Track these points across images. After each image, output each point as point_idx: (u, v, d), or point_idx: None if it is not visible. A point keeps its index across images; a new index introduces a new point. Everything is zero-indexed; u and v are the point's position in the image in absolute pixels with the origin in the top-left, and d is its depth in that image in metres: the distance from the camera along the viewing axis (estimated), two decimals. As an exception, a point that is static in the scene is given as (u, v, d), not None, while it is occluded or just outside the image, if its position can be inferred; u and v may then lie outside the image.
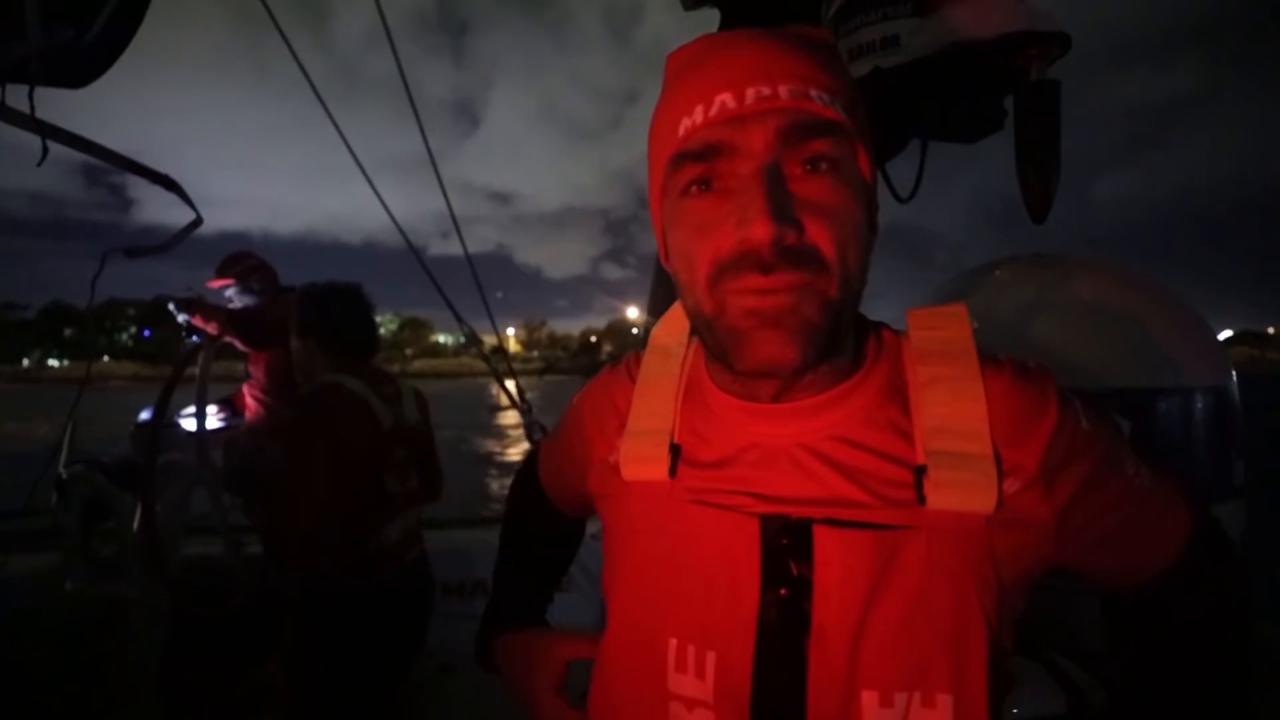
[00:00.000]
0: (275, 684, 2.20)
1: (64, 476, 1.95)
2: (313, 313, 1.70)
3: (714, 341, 0.48)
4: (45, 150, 1.12)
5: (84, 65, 1.17)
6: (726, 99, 0.43)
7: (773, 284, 0.43)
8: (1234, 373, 1.01)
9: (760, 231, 0.42)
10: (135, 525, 1.85)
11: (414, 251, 2.42)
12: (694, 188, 0.46)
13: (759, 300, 0.44)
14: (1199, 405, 0.96)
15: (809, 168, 0.44)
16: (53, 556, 2.06)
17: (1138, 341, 0.97)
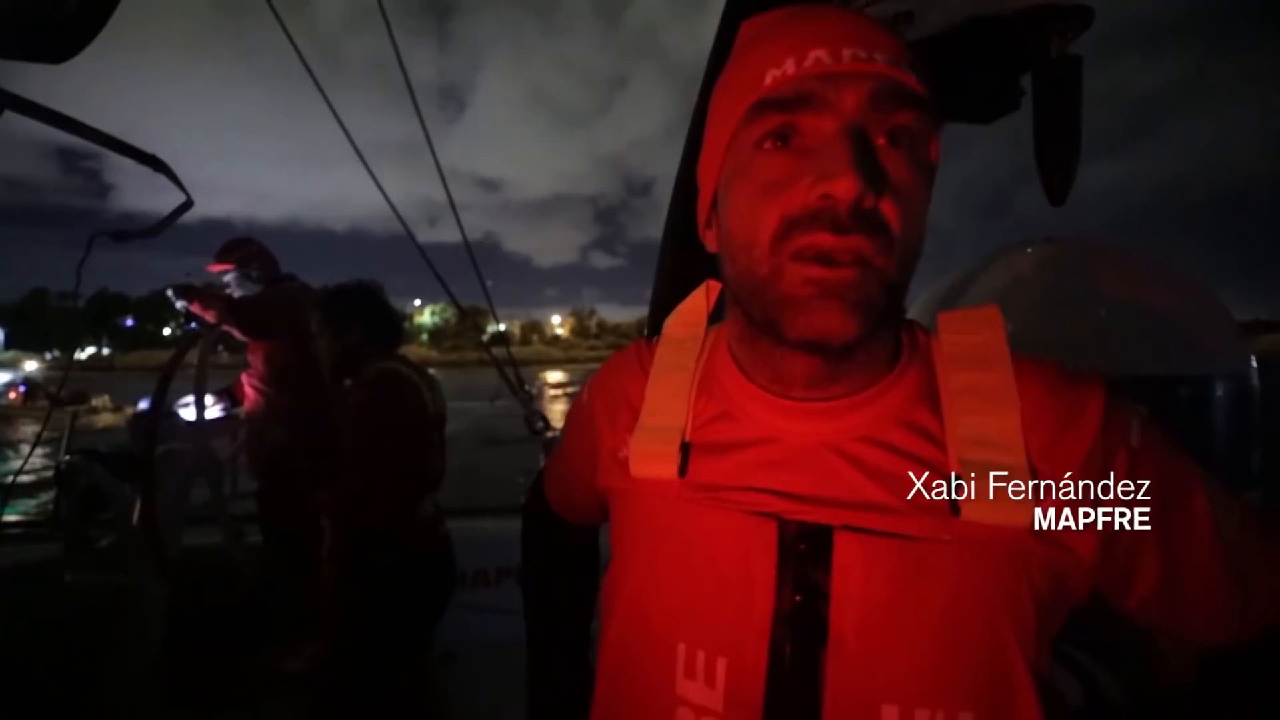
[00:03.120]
0: (275, 673, 2.21)
1: (63, 467, 1.94)
2: (352, 309, 1.82)
3: (760, 309, 0.45)
4: None
5: (63, 39, 1.13)
6: (822, 55, 0.42)
7: (842, 246, 0.41)
8: (1254, 360, 0.99)
9: (845, 187, 0.39)
10: (135, 516, 1.84)
11: (413, 240, 2.41)
12: (769, 142, 0.44)
13: (824, 271, 0.41)
14: (1218, 393, 0.93)
15: (890, 141, 0.43)
16: (52, 547, 2.05)
17: (1157, 328, 0.94)
